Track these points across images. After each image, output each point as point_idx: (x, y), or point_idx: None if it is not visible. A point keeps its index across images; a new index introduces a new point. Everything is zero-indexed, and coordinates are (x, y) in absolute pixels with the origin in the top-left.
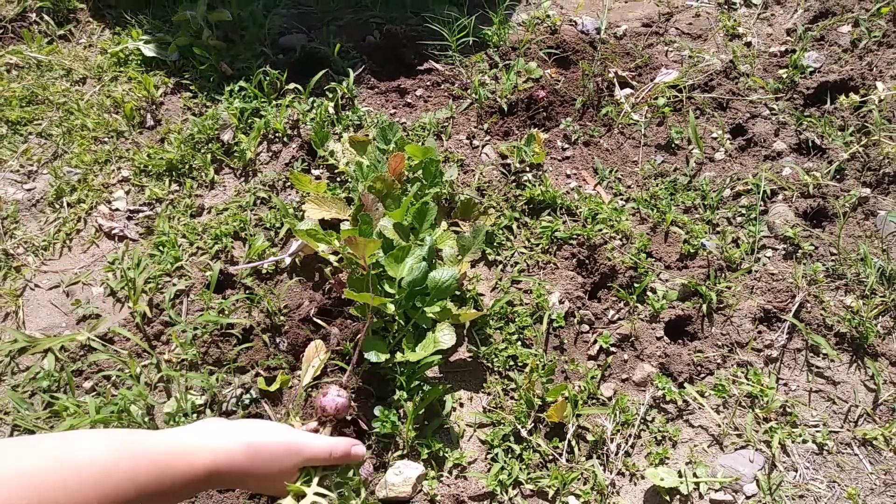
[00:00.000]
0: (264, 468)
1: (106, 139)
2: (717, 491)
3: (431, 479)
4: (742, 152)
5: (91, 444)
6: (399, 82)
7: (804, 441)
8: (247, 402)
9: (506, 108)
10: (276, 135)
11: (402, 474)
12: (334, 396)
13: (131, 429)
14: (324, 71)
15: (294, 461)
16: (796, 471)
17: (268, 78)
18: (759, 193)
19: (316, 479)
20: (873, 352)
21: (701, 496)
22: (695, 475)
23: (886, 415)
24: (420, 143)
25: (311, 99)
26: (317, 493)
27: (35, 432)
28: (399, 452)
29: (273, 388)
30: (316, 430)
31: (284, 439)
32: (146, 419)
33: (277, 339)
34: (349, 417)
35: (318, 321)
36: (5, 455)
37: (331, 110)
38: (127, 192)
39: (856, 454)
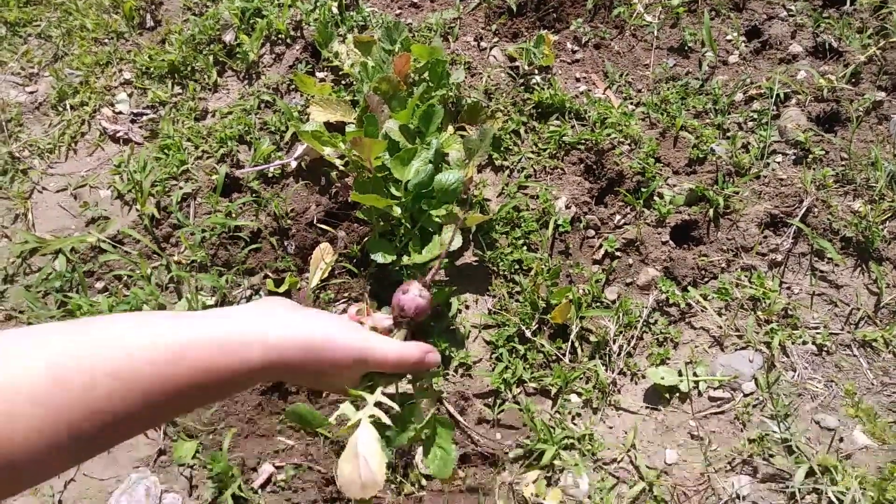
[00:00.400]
0: (323, 370)
1: (106, 40)
2: (715, 389)
3: (437, 377)
4: (757, 55)
5: (121, 332)
6: None
7: (804, 342)
8: None
9: (515, 9)
10: (279, 36)
11: None
12: (415, 295)
13: (160, 312)
14: None
15: (358, 367)
16: (795, 370)
17: None
18: (771, 98)
19: (380, 390)
20: (878, 256)
21: (700, 394)
22: (695, 374)
23: (887, 317)
24: (426, 44)
25: None
26: (378, 404)
27: None
28: None
29: (282, 289)
30: (388, 331)
31: (350, 341)
32: None
33: (285, 242)
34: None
35: (324, 226)
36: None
37: (335, 10)
38: (130, 95)
39: (855, 355)
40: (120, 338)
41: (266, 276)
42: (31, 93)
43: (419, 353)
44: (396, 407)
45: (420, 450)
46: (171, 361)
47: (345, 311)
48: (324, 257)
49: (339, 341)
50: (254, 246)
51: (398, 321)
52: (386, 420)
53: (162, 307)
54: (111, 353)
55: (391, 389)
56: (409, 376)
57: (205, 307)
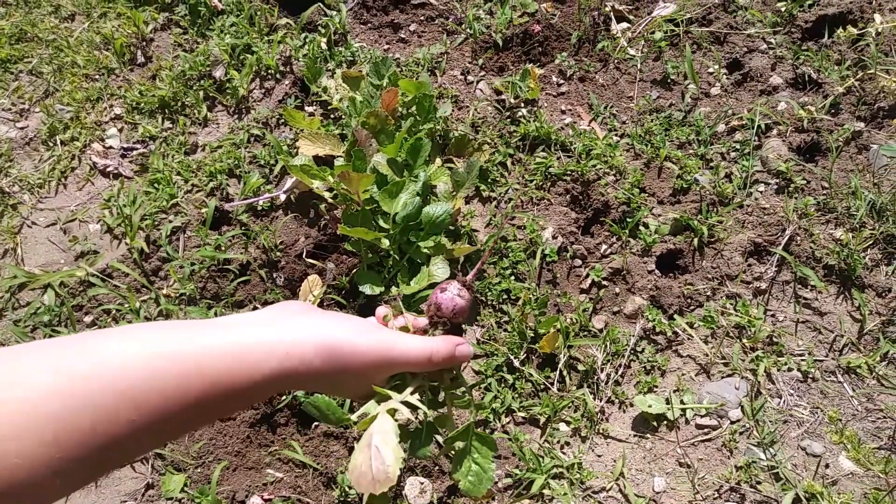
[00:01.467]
0: (345, 373)
1: (97, 76)
2: (702, 416)
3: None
4: (738, 87)
5: (124, 345)
6: (392, 17)
7: (789, 369)
8: None
9: (501, 44)
10: (269, 71)
11: None
12: (454, 294)
13: (178, 321)
14: (315, 5)
15: (383, 368)
16: (780, 397)
17: (258, 13)
18: (753, 128)
19: (409, 390)
20: (860, 283)
21: (687, 421)
22: (682, 402)
23: (871, 344)
24: (414, 79)
25: (304, 34)
26: (405, 403)
27: None
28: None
29: None
30: (424, 332)
31: (373, 340)
32: None
33: (274, 275)
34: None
35: (311, 261)
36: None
37: (323, 46)
38: (120, 130)
39: (839, 381)
40: (135, 353)
41: (255, 309)
42: (22, 128)
43: (448, 347)
44: (425, 409)
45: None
46: (185, 373)
47: None
48: (312, 290)
49: (360, 340)
50: (243, 278)
51: (434, 321)
52: (410, 416)
53: None
54: (123, 368)
55: (420, 396)
56: (442, 384)
57: None
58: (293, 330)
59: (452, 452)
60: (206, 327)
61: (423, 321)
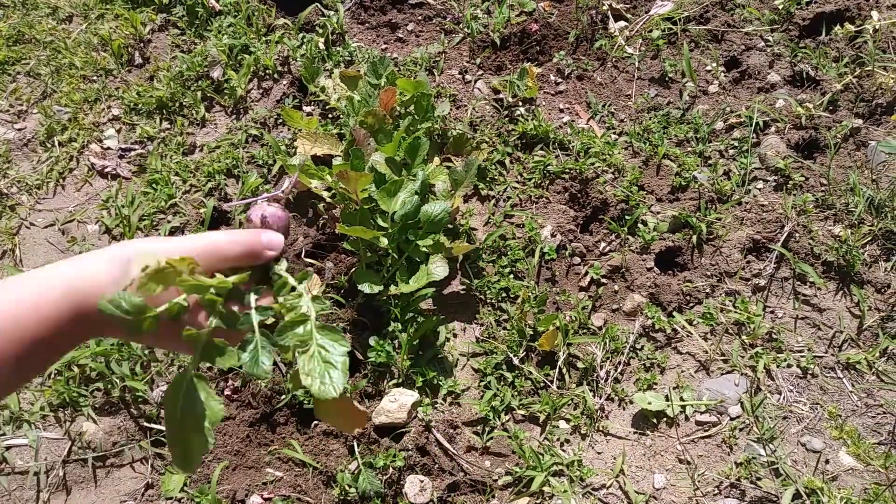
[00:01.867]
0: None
1: (95, 77)
2: (702, 413)
3: (426, 405)
4: (736, 85)
5: None
6: (390, 17)
7: (789, 365)
8: None
9: (498, 43)
10: (267, 71)
11: (398, 401)
12: (261, 208)
13: None
14: (313, 5)
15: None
16: (780, 393)
17: (256, 13)
18: (751, 126)
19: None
20: (859, 279)
21: (687, 418)
22: (681, 399)
23: (870, 340)
24: (412, 78)
25: (301, 35)
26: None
27: None
28: (394, 381)
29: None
30: None
31: (169, 245)
32: (145, 351)
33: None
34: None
35: (310, 260)
36: None
37: (321, 46)
38: (118, 131)
39: (839, 377)
40: None
41: None
42: (20, 130)
43: (247, 237)
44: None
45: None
46: None
47: None
48: (311, 289)
49: (160, 249)
50: None
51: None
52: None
53: None
54: None
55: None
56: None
57: None
58: (94, 254)
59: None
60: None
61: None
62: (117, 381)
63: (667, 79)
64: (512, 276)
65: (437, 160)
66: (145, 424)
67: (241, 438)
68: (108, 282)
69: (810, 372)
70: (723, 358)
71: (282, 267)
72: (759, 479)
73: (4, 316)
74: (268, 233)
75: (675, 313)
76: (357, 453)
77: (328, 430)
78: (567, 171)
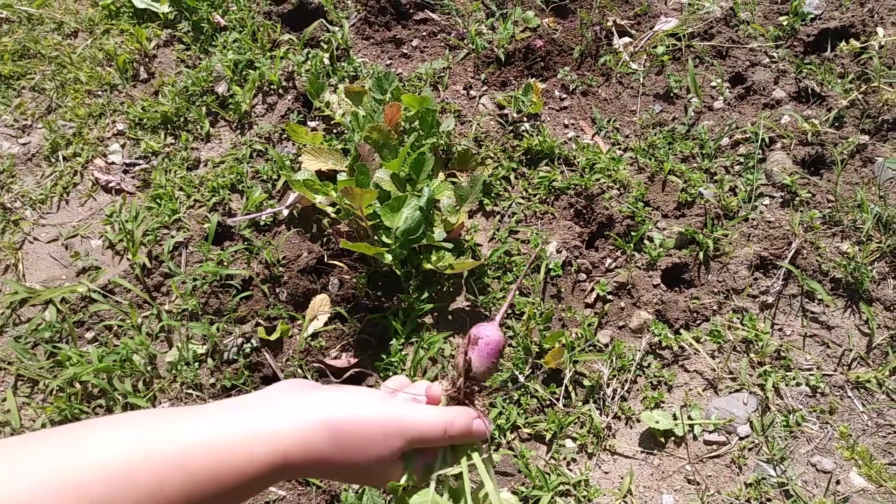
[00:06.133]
0: (353, 455)
1: (100, 92)
2: (711, 432)
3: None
4: (741, 101)
5: (100, 446)
6: (395, 32)
7: (798, 384)
8: (248, 350)
9: (503, 58)
10: (272, 87)
11: None
12: (480, 329)
13: (163, 411)
14: (318, 21)
15: (395, 445)
16: (790, 412)
17: (261, 29)
18: (757, 142)
19: (433, 483)
20: (868, 297)
21: (695, 437)
22: (689, 417)
23: (880, 358)
24: (416, 94)
25: (306, 50)
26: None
27: (39, 382)
28: None
29: (273, 337)
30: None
31: (379, 415)
32: (148, 368)
33: (277, 290)
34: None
35: (314, 276)
36: None
37: (326, 61)
38: (122, 146)
39: (849, 396)
40: (107, 460)
41: (258, 324)
42: (24, 144)
43: (464, 420)
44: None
45: None
46: (161, 477)
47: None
48: (320, 309)
49: (366, 412)
50: (245, 294)
51: (456, 386)
52: None
53: (153, 357)
54: (95, 478)
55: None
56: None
57: (195, 356)
58: (291, 411)
59: None
60: (189, 418)
61: (436, 389)
62: (119, 397)
63: (672, 95)
64: (517, 292)
65: (442, 176)
66: None
67: None
68: (320, 456)
69: (820, 391)
70: (731, 376)
71: (477, 460)
72: (769, 500)
73: (205, 478)
74: (483, 420)
75: (682, 330)
76: None
77: None
78: (572, 186)
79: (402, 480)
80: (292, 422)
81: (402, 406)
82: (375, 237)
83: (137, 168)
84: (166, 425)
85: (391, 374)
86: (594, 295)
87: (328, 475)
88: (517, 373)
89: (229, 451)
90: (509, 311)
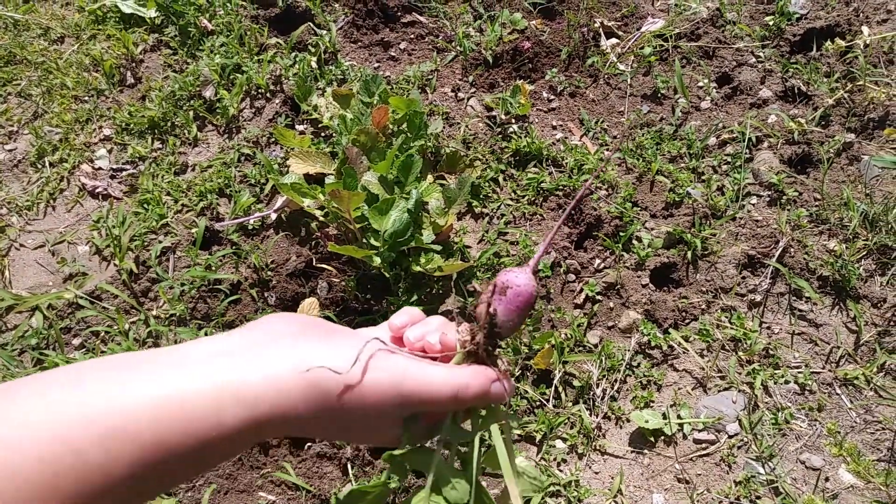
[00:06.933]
0: (343, 423)
1: (86, 98)
2: (700, 431)
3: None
4: (728, 100)
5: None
6: (382, 35)
7: (786, 382)
8: None
9: (491, 60)
10: (259, 90)
11: None
12: (508, 274)
13: (112, 361)
14: (305, 24)
15: (392, 412)
16: (778, 410)
17: (248, 33)
18: (744, 141)
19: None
20: (855, 294)
21: (685, 436)
22: (679, 417)
23: (867, 355)
24: (404, 96)
25: (294, 54)
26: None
27: None
28: None
29: None
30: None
31: (380, 373)
32: None
33: (265, 294)
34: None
35: (303, 280)
36: None
37: (313, 65)
38: (109, 151)
39: (837, 393)
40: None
41: None
42: (10, 150)
43: (481, 382)
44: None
45: None
46: (108, 438)
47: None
48: (309, 313)
49: (360, 374)
50: (233, 298)
51: (474, 336)
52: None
53: None
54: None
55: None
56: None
57: None
58: (271, 366)
59: None
60: (146, 372)
61: (452, 337)
62: None
63: (659, 95)
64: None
65: (430, 178)
66: None
67: (232, 461)
68: (301, 420)
69: (808, 388)
70: (720, 375)
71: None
72: (758, 497)
73: (175, 437)
74: (503, 381)
75: (670, 330)
76: (351, 475)
77: (322, 453)
78: (561, 187)
79: (400, 449)
80: (271, 381)
81: (405, 367)
82: (364, 240)
83: (124, 173)
84: (112, 386)
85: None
86: (583, 295)
87: (309, 435)
88: None
89: (191, 413)
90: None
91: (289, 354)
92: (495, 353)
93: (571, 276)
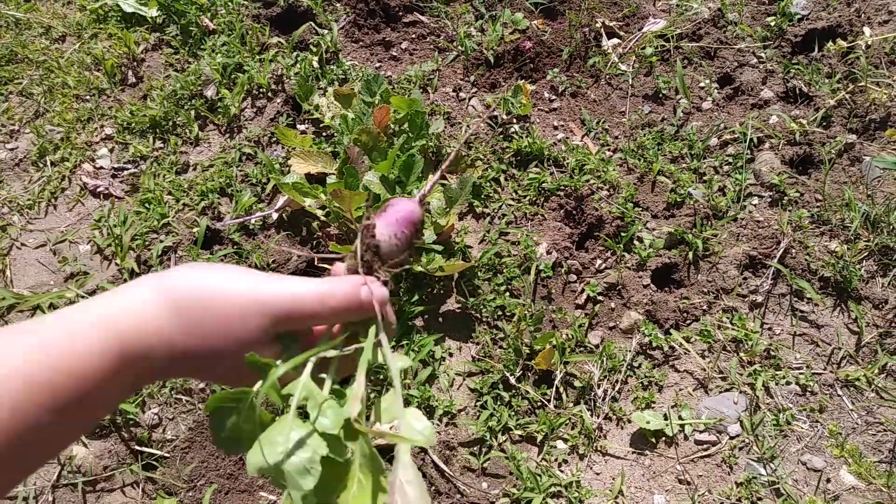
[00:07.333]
0: (207, 339)
1: (87, 97)
2: (701, 432)
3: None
4: (729, 101)
5: None
6: (384, 35)
7: (787, 383)
8: None
9: (492, 60)
10: (261, 90)
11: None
12: (394, 203)
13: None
14: (307, 24)
15: (256, 323)
16: (780, 411)
17: (250, 32)
18: (745, 142)
19: (310, 365)
20: (857, 295)
21: (686, 437)
22: (680, 417)
23: (869, 356)
24: (406, 96)
25: (295, 53)
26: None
27: None
28: None
29: None
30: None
31: (234, 288)
32: None
33: None
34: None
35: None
36: None
37: (315, 64)
38: (111, 150)
39: (838, 395)
40: None
41: None
42: (12, 149)
43: (348, 288)
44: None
45: None
46: None
47: None
48: None
49: (210, 288)
50: None
51: (363, 259)
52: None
53: None
54: None
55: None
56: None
57: None
58: (128, 289)
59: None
60: (17, 328)
61: (340, 267)
62: None
63: (660, 95)
64: (508, 294)
65: (431, 178)
66: (136, 448)
67: (234, 461)
68: (170, 343)
69: (809, 389)
70: (721, 376)
71: (377, 332)
72: (760, 499)
73: (33, 368)
74: (372, 286)
75: (672, 330)
76: None
77: None
78: (562, 188)
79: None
80: (127, 300)
81: (265, 279)
82: None
83: (126, 172)
84: None
85: (381, 377)
86: (584, 296)
87: (185, 368)
88: (508, 374)
89: (60, 351)
90: (499, 313)
91: (149, 276)
92: (378, 272)
93: (573, 277)
